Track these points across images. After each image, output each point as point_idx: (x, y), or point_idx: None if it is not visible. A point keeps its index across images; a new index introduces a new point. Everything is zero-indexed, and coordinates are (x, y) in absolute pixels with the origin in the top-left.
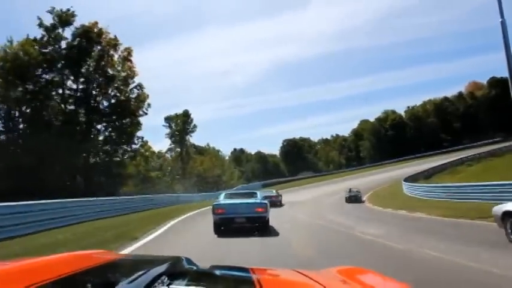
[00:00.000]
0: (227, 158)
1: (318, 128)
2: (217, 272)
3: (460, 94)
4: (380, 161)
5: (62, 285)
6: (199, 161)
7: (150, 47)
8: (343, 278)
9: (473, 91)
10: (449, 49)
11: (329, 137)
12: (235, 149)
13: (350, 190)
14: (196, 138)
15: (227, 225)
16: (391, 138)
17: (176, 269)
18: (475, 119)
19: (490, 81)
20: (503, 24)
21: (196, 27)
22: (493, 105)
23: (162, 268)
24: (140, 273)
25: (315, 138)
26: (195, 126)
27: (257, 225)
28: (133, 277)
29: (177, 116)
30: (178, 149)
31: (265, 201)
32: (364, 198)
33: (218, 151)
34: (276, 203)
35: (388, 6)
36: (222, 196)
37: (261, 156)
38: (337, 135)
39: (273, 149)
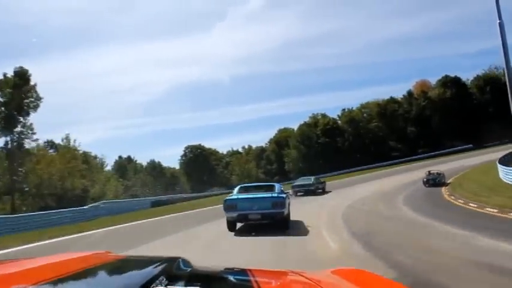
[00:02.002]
0: (107, 166)
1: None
2: (215, 273)
3: (410, 94)
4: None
5: (60, 286)
6: (46, 161)
7: (45, 60)
8: (341, 279)
9: (424, 91)
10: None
11: (240, 149)
12: (120, 157)
13: (429, 173)
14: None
15: (241, 222)
16: (324, 146)
17: (174, 269)
18: (430, 123)
19: (444, 80)
20: (501, 26)
21: (95, 43)
22: (450, 108)
23: (160, 268)
24: (138, 273)
25: (223, 150)
26: (39, 98)
27: (274, 223)
28: (131, 277)
29: (5, 78)
30: (6, 138)
31: (283, 195)
32: (449, 181)
33: (96, 156)
34: (315, 191)
35: (290, 34)
36: (236, 190)
37: (154, 167)
38: (249, 146)
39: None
